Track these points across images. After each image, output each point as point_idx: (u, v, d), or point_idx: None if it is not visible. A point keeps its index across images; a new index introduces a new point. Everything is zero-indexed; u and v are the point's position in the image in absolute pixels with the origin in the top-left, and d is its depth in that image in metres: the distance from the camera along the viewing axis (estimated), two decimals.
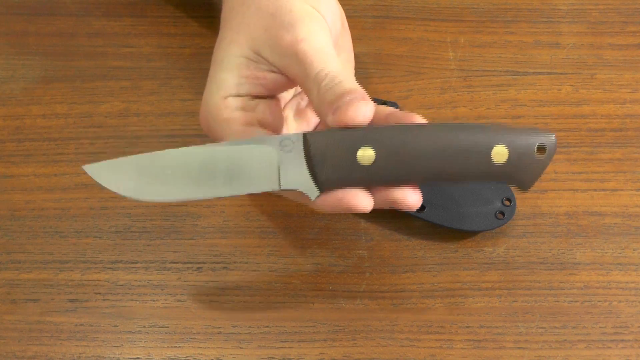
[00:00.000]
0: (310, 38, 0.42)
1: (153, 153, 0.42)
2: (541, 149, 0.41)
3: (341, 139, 0.40)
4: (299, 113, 0.49)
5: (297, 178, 0.41)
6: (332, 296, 0.48)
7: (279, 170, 0.41)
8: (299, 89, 0.50)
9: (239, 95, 0.44)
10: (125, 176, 0.42)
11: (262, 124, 0.44)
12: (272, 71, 0.44)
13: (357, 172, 0.40)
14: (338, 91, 0.40)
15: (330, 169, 0.40)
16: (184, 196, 0.42)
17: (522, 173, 0.41)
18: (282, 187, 0.41)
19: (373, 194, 0.41)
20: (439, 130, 0.40)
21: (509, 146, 0.40)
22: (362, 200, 0.41)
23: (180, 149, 0.42)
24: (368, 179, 0.41)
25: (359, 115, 0.40)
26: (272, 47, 0.43)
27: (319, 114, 0.41)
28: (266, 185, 0.41)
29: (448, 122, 0.55)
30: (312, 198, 0.41)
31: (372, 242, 0.50)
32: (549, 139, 0.41)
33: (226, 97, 0.44)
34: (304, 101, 0.50)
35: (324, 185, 0.41)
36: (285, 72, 0.43)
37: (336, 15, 0.46)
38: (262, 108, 0.45)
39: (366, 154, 0.40)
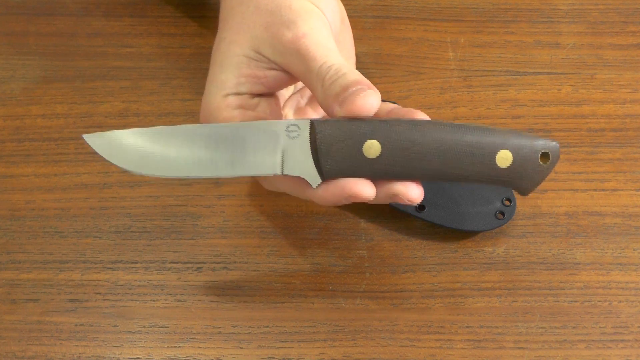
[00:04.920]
0: (311, 33, 0.42)
1: (158, 127, 0.42)
2: (545, 156, 0.41)
3: (348, 129, 0.40)
4: (298, 111, 0.49)
5: (301, 165, 0.41)
6: (332, 296, 0.48)
7: (282, 155, 0.41)
8: (297, 87, 0.50)
9: (238, 94, 0.44)
10: (127, 149, 0.41)
11: None
12: (272, 69, 0.44)
13: (361, 164, 0.40)
14: (343, 82, 0.40)
15: (335, 158, 0.41)
16: (185, 173, 0.42)
17: (523, 179, 0.42)
18: (285, 173, 0.41)
19: (375, 187, 0.41)
20: (446, 129, 0.40)
21: (513, 151, 0.41)
22: (365, 187, 0.41)
23: (185, 125, 0.42)
24: (372, 172, 0.41)
25: (367, 105, 0.40)
26: (273, 45, 0.43)
27: (325, 107, 0.41)
28: (269, 169, 0.41)
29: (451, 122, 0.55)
30: (314, 186, 0.41)
31: (372, 242, 0.50)
32: (553, 147, 0.41)
33: (226, 95, 0.44)
34: (304, 99, 0.50)
35: (327, 174, 0.41)
36: (287, 69, 0.43)
37: (335, 12, 0.46)
38: (262, 106, 0.45)
39: (373, 147, 0.40)
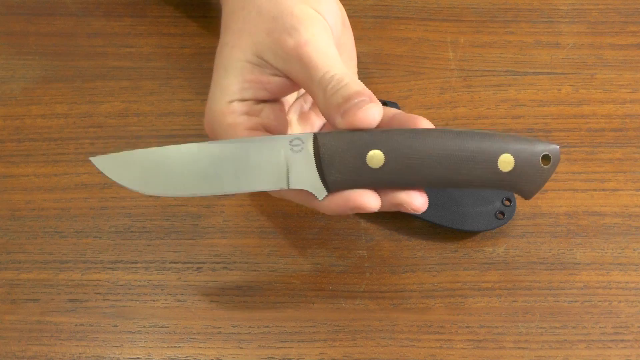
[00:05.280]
0: (313, 41, 0.42)
1: (162, 147, 0.42)
2: (546, 159, 0.41)
3: (351, 141, 0.40)
4: (302, 116, 0.49)
5: (306, 178, 0.41)
6: (332, 296, 0.48)
7: (287, 170, 0.41)
8: (301, 92, 0.50)
9: (243, 100, 0.44)
10: (132, 169, 0.42)
11: (267, 129, 0.44)
12: (275, 75, 0.44)
13: (365, 174, 0.41)
14: (345, 94, 0.40)
15: (339, 170, 0.41)
16: (190, 192, 0.42)
17: (526, 182, 0.42)
18: (291, 187, 0.41)
19: (380, 197, 0.41)
20: (447, 136, 0.41)
21: (515, 155, 0.41)
22: (370, 199, 0.41)
23: (189, 144, 0.42)
24: (376, 182, 0.41)
25: (369, 117, 0.40)
26: (275, 51, 0.43)
27: (326, 117, 0.42)
28: (274, 184, 0.42)
29: (451, 125, 0.55)
30: (320, 198, 0.42)
31: (372, 242, 0.50)
32: (554, 149, 0.41)
33: (230, 102, 0.44)
34: (307, 104, 0.50)
35: (332, 186, 0.41)
36: (289, 76, 0.43)
37: (337, 16, 0.46)
38: (267, 112, 0.45)
39: (376, 157, 0.40)
